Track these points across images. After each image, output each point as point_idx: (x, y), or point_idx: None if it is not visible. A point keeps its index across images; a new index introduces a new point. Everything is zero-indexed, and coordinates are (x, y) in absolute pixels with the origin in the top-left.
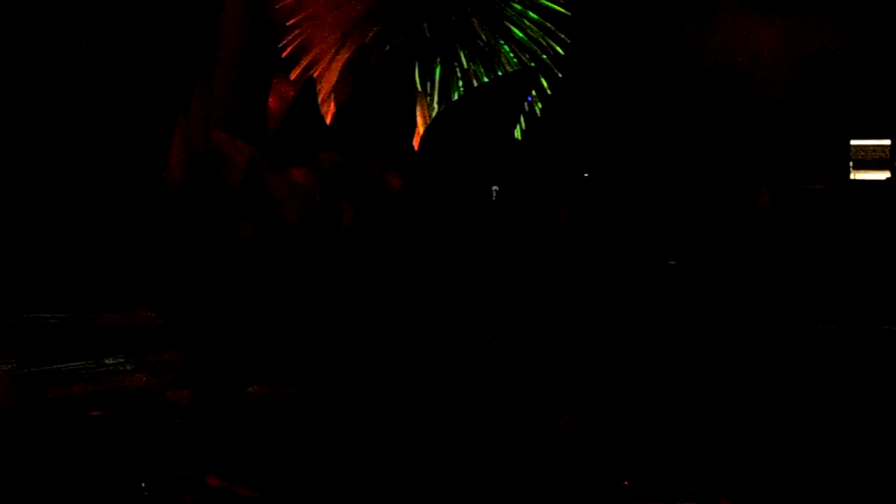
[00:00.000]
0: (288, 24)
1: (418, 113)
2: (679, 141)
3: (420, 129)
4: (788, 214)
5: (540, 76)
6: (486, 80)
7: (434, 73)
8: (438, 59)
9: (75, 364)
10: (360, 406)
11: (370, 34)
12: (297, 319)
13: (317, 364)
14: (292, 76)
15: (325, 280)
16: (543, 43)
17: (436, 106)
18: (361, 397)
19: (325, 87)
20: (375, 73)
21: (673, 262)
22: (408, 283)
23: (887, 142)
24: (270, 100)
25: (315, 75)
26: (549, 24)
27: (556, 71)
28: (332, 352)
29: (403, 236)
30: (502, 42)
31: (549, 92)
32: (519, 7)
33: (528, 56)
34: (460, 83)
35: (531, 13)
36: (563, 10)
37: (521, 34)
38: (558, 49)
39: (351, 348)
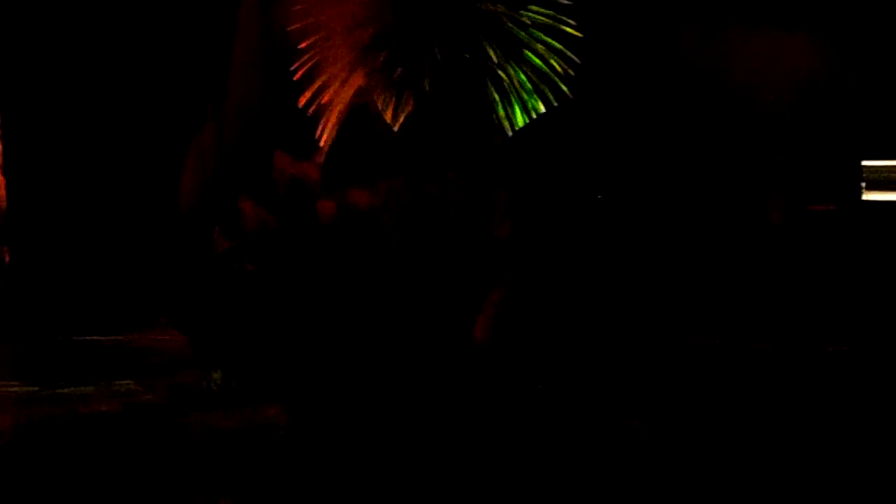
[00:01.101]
0: (300, 47)
1: None
2: (690, 159)
3: None
4: (801, 234)
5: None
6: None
7: None
8: None
9: (88, 387)
10: (396, 416)
11: (381, 57)
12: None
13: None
14: (302, 100)
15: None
16: (556, 66)
17: None
18: (399, 408)
19: (335, 110)
20: (444, 87)
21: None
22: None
23: None
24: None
25: (326, 99)
26: (560, 46)
27: (567, 91)
28: (370, 376)
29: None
30: (514, 65)
31: (560, 111)
32: (531, 30)
33: (538, 78)
34: None
35: (543, 35)
36: (576, 33)
37: (533, 57)
38: (570, 71)
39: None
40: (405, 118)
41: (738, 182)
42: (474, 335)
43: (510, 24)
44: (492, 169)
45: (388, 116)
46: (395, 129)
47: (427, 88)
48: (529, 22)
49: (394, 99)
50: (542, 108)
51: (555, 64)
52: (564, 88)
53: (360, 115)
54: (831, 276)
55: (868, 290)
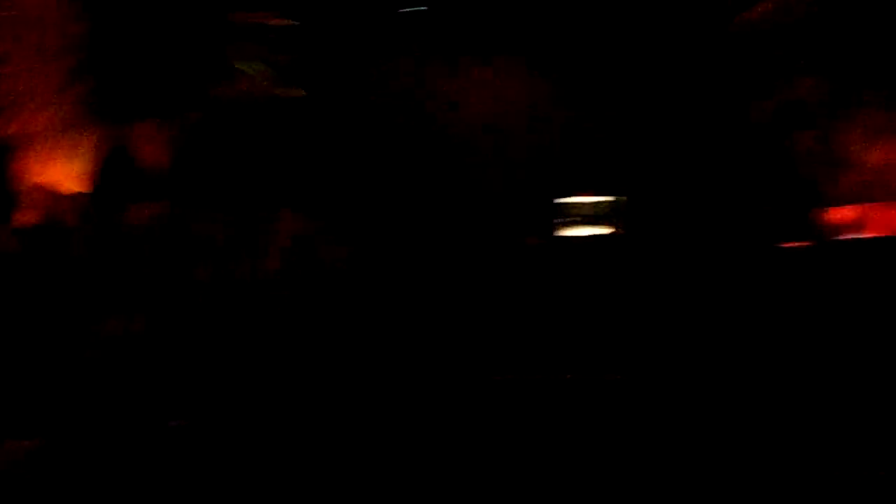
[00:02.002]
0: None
1: None
2: (395, 198)
3: None
4: (514, 267)
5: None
6: None
7: None
8: None
9: None
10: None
11: (88, 85)
12: None
13: None
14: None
15: None
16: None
17: None
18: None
19: (37, 143)
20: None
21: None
22: None
23: (606, 198)
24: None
25: (23, 130)
26: (274, 73)
27: (280, 120)
28: None
29: None
30: None
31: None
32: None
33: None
34: None
35: (257, 62)
36: (288, 65)
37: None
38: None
39: None
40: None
41: (449, 215)
42: None
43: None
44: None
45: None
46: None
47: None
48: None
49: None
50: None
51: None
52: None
53: (118, 151)
54: (544, 307)
55: (574, 319)
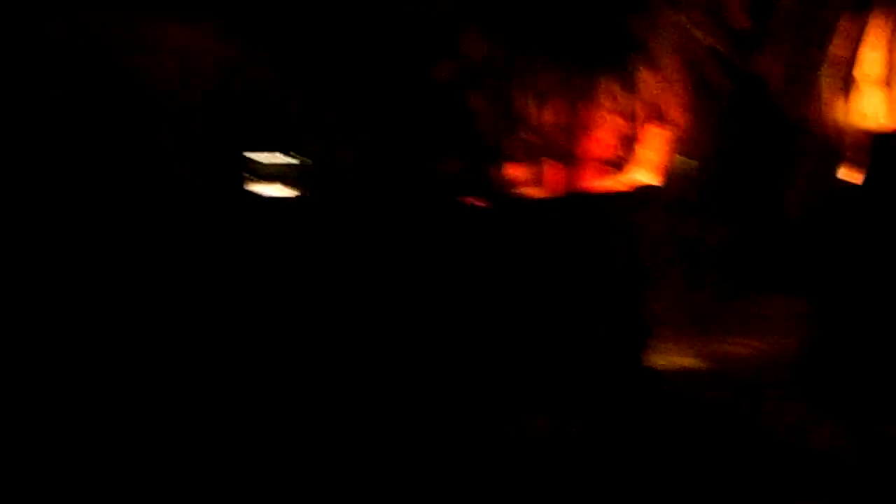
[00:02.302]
0: None
1: None
2: (76, 154)
3: None
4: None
5: None
6: None
7: None
8: None
9: None
10: None
11: None
12: None
13: None
14: None
15: None
16: None
17: None
18: None
19: None
20: None
21: None
22: None
23: (295, 159)
24: None
25: None
26: None
27: None
28: None
29: None
30: None
31: None
32: None
33: None
34: None
35: None
36: None
37: None
38: None
39: None
40: None
41: (138, 169)
42: None
43: None
44: None
45: None
46: None
47: None
48: None
49: None
50: None
51: None
52: None
53: None
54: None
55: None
